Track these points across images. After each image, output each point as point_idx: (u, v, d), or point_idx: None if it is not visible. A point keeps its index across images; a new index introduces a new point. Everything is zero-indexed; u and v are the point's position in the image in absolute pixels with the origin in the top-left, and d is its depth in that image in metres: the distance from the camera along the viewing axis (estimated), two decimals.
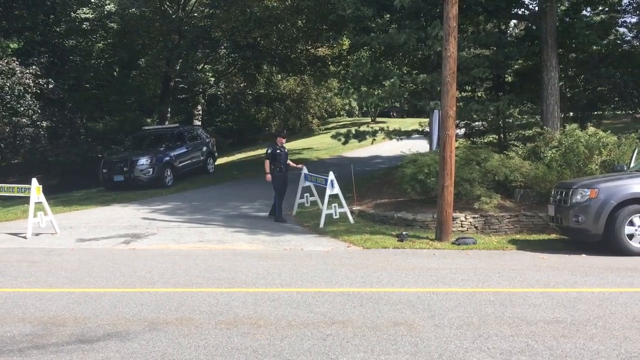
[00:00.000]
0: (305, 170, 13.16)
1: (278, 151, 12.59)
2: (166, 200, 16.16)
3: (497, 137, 17.52)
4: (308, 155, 28.05)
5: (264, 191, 16.64)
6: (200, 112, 35.08)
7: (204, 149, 22.44)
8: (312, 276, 7.42)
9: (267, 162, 12.58)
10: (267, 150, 12.89)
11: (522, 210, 11.45)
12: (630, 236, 8.80)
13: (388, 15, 17.18)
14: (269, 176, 12.58)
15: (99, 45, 27.57)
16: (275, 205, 12.69)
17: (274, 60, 27.48)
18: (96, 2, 22.49)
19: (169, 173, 19.53)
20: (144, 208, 14.84)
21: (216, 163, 24.46)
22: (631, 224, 8.79)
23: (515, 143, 14.21)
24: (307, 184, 13.30)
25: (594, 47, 17.39)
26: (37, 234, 11.17)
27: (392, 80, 14.62)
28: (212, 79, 31.93)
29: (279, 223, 12.33)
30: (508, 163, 12.21)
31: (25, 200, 12.24)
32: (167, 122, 26.61)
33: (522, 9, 17.56)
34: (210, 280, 7.25)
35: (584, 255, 8.88)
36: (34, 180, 11.44)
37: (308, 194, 13.73)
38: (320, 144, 33.30)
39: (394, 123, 32.27)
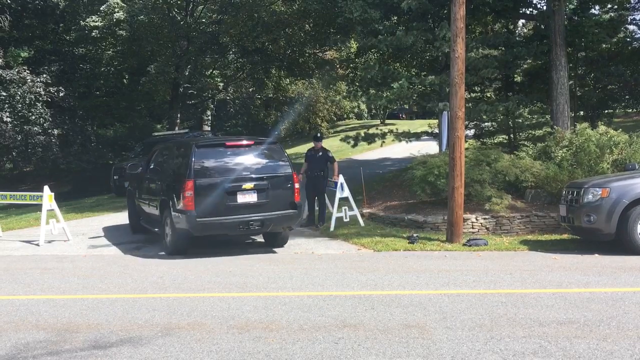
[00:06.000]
0: (341, 179, 12.12)
1: (309, 154, 12.33)
2: None
3: (507, 137, 17.45)
4: None
5: None
6: (210, 117, 35.19)
7: None
8: (323, 279, 7.43)
9: (305, 164, 12.36)
10: None
11: (534, 211, 11.39)
12: None
13: (395, 18, 17.19)
14: (300, 176, 12.38)
15: (109, 52, 27.80)
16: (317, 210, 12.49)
17: (282, 64, 27.54)
18: (105, 10, 22.64)
19: None
20: None
21: None
22: None
23: (526, 143, 14.14)
24: None
25: (604, 45, 17.30)
26: (49, 241, 11.26)
27: (401, 82, 14.62)
28: (221, 84, 32.05)
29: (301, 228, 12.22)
30: (518, 163, 12.15)
31: (38, 207, 12.35)
32: (176, 128, 26.69)
33: (530, 9, 17.52)
34: (221, 285, 7.27)
35: (596, 255, 8.81)
36: (46, 188, 11.54)
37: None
38: (330, 147, 33.02)
39: (403, 125, 32.30)
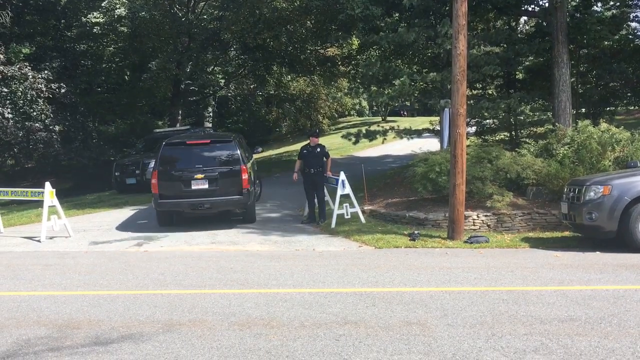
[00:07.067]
0: (342, 176, 12.10)
1: (304, 151, 12.40)
2: None
3: (508, 134, 17.43)
4: None
5: (275, 192, 16.68)
6: (211, 114, 35.15)
7: None
8: (324, 276, 7.43)
9: (298, 161, 12.53)
10: None
11: (535, 208, 11.38)
12: None
13: (397, 14, 17.15)
14: (294, 175, 12.60)
15: (110, 49, 27.77)
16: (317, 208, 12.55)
17: (283, 61, 27.49)
18: (106, 7, 22.62)
19: None
20: None
21: None
22: None
23: (527, 140, 14.11)
24: None
25: (606, 42, 17.26)
26: (51, 238, 11.27)
27: (402, 79, 14.58)
28: (222, 80, 32.00)
29: (302, 225, 12.35)
30: (520, 160, 12.13)
31: (39, 204, 12.35)
32: (178, 125, 26.68)
33: (532, 6, 17.47)
34: (222, 282, 7.27)
35: (598, 252, 8.81)
36: (48, 184, 11.54)
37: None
38: (331, 144, 33.17)
39: (404, 122, 32.20)
